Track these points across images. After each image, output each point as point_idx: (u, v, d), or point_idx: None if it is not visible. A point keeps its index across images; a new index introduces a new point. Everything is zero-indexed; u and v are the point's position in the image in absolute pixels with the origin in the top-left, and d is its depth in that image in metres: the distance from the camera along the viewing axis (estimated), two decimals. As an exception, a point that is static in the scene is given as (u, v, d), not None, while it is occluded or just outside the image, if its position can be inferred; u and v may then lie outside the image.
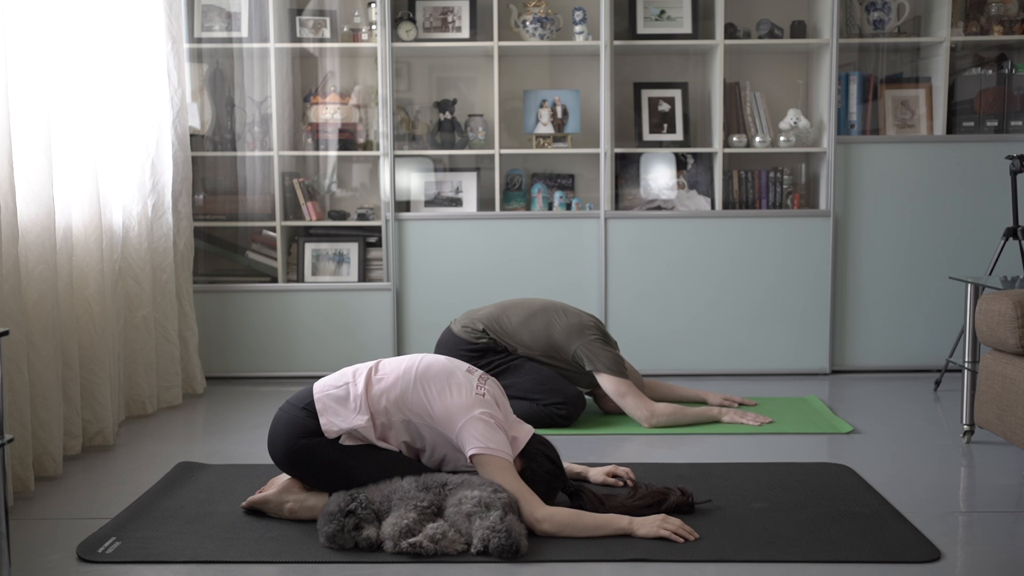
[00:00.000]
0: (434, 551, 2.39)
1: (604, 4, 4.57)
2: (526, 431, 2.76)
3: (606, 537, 2.53)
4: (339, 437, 2.67)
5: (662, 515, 2.57)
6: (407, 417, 2.69)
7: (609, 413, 3.95)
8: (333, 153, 4.78)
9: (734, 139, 4.71)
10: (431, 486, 2.54)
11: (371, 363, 2.80)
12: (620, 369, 3.76)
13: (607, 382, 3.75)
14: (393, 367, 2.75)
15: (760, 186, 4.75)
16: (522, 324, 3.81)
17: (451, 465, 2.76)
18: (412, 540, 2.38)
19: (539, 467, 2.69)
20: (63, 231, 3.34)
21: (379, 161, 4.70)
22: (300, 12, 4.75)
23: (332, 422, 2.67)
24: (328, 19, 4.73)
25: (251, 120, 4.73)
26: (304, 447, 2.67)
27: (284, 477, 2.79)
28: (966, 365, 3.54)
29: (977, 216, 4.65)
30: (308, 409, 2.71)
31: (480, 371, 2.82)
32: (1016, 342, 2.94)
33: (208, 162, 4.76)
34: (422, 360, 2.77)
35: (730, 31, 4.67)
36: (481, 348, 3.75)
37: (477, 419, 2.63)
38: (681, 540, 2.50)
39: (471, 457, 2.63)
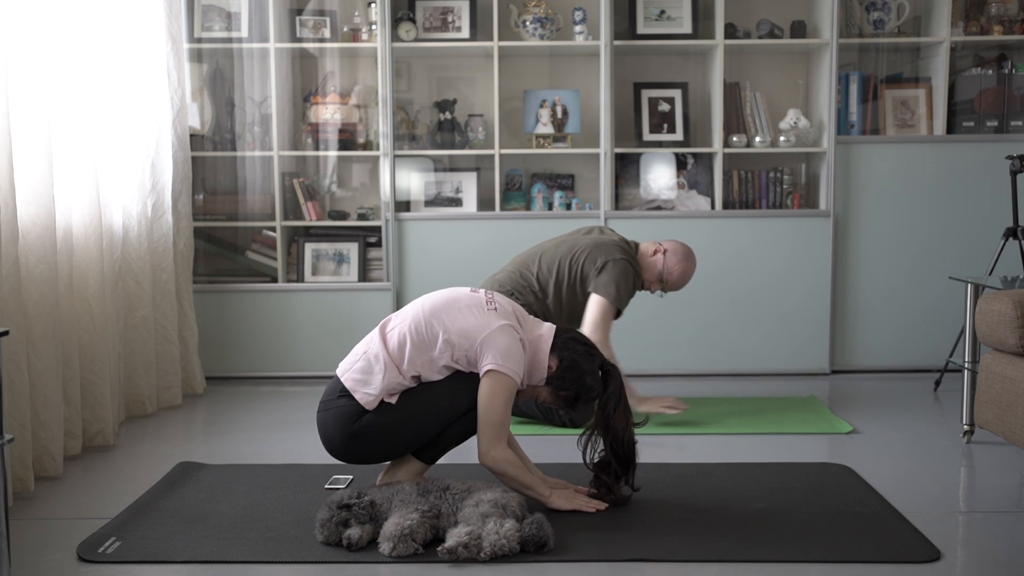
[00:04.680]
0: (467, 556, 2.38)
1: (604, 4, 4.57)
2: (547, 328, 2.79)
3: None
4: (381, 401, 2.71)
5: (573, 492, 2.76)
6: (431, 356, 2.70)
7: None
8: (333, 153, 4.78)
9: (734, 139, 4.71)
10: (431, 490, 2.56)
11: (378, 325, 2.82)
12: (614, 298, 3.63)
13: (591, 302, 3.65)
14: (401, 318, 2.77)
15: (760, 186, 4.75)
16: (546, 266, 3.75)
17: None
18: (448, 546, 2.37)
19: (572, 351, 2.73)
20: (63, 231, 3.34)
21: (379, 161, 4.70)
22: (300, 12, 4.75)
23: (367, 393, 2.71)
24: (328, 19, 4.73)
25: (251, 120, 4.73)
26: (359, 430, 2.71)
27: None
28: (966, 365, 3.54)
29: (977, 216, 4.65)
30: (344, 395, 2.74)
31: (483, 289, 2.85)
32: (1016, 342, 2.94)
33: (208, 162, 4.76)
34: (425, 300, 2.80)
35: (730, 31, 4.67)
36: None
37: (499, 331, 2.66)
38: (592, 510, 2.69)
39: (485, 372, 2.64)
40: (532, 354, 2.73)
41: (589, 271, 3.71)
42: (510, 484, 2.68)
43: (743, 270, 4.67)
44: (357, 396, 2.71)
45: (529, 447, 3.27)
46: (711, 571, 2.36)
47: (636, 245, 3.87)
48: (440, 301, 2.77)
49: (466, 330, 2.68)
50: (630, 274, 3.71)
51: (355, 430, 2.71)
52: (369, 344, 2.76)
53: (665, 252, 3.79)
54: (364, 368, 2.73)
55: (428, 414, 2.72)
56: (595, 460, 2.78)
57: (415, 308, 2.77)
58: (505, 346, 2.65)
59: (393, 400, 2.71)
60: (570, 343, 2.75)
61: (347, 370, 2.76)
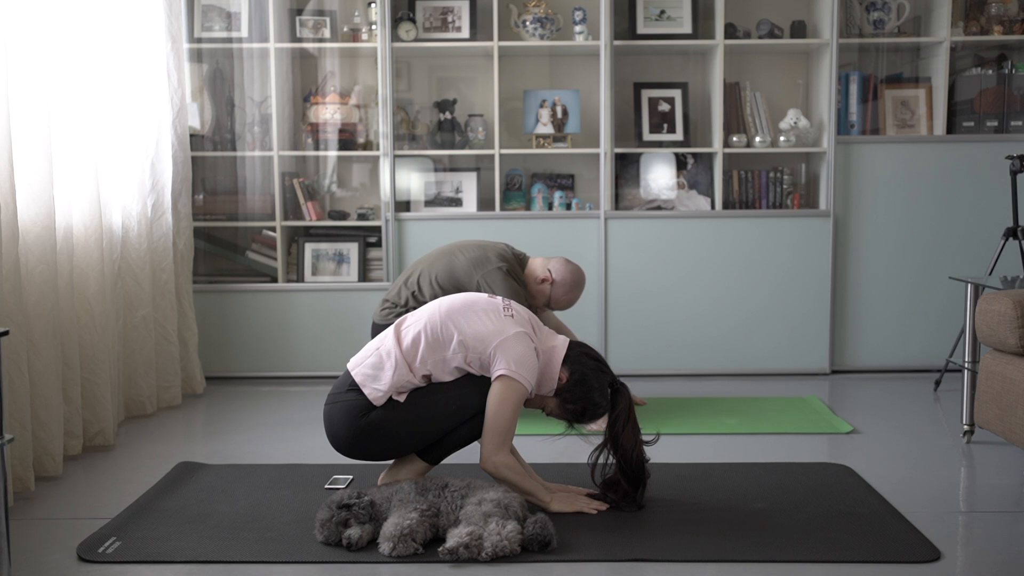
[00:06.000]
0: (468, 556, 2.38)
1: (604, 4, 4.57)
2: (562, 340, 2.80)
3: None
4: (390, 398, 2.71)
5: (574, 495, 2.78)
6: (443, 356, 2.71)
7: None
8: (333, 153, 4.78)
9: (734, 139, 4.71)
10: (430, 488, 2.56)
11: (394, 323, 2.82)
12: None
13: None
14: (417, 317, 2.78)
15: (760, 186, 4.75)
16: (425, 278, 3.68)
17: None
18: (449, 546, 2.37)
19: (584, 366, 2.75)
20: (63, 231, 3.34)
21: (379, 161, 4.70)
22: (300, 12, 4.75)
23: (376, 389, 2.71)
24: (328, 19, 4.73)
25: (251, 120, 4.73)
26: (366, 424, 2.71)
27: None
28: (966, 365, 3.54)
29: (977, 216, 4.65)
30: (353, 389, 2.74)
31: (501, 296, 2.86)
32: (1016, 342, 2.94)
33: (208, 162, 4.76)
34: (442, 301, 2.81)
35: (730, 31, 4.67)
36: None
37: (514, 338, 2.68)
38: (594, 512, 2.71)
39: (497, 377, 2.65)
40: (544, 364, 2.74)
41: (471, 276, 3.64)
42: (511, 489, 2.68)
43: (743, 270, 4.67)
44: (366, 391, 2.71)
45: (529, 447, 3.27)
46: (711, 571, 2.36)
47: (525, 259, 3.83)
48: (457, 303, 2.77)
49: (481, 334, 2.68)
50: (520, 290, 3.68)
51: (361, 425, 2.71)
52: (383, 340, 2.77)
53: (553, 283, 3.74)
54: (375, 364, 2.73)
55: (436, 414, 2.72)
56: (606, 476, 2.77)
57: (432, 309, 2.78)
58: (519, 353, 2.66)
59: (402, 398, 2.72)
60: (582, 358, 2.76)
61: (358, 364, 2.77)
